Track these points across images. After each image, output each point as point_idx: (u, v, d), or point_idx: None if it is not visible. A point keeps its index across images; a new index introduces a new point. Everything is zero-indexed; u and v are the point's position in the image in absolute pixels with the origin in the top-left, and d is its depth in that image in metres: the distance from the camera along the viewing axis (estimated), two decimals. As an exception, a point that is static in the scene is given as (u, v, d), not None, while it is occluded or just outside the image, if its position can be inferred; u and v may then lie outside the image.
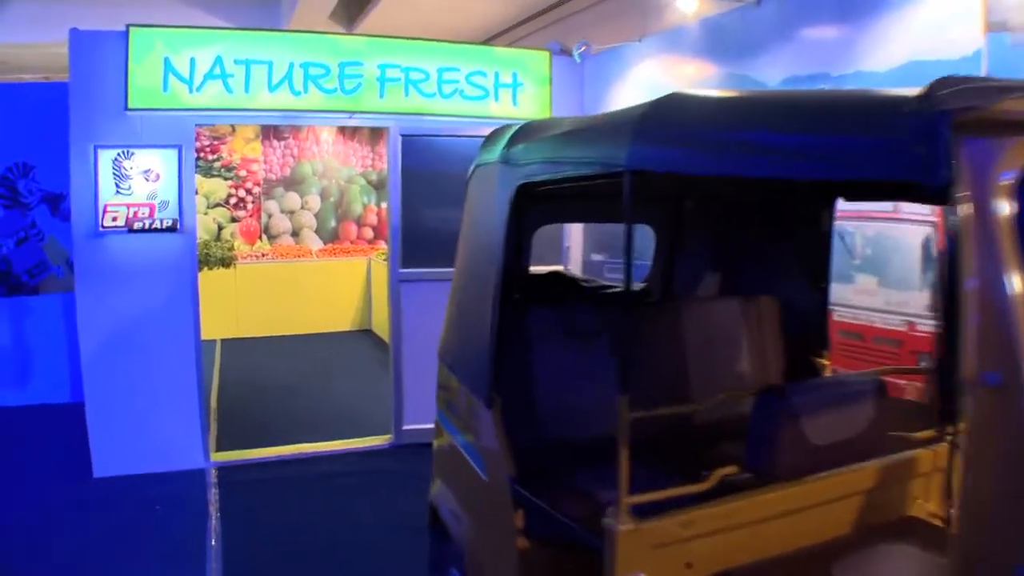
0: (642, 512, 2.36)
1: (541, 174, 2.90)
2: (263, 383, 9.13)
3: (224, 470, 6.22)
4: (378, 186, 13.44)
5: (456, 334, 3.71)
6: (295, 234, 13.11)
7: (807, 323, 3.81)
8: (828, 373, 3.78)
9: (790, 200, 3.82)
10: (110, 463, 5.98)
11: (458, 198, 6.86)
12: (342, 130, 13.19)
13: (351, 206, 13.36)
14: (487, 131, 6.75)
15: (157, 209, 5.86)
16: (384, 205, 13.20)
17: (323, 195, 13.26)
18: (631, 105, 2.65)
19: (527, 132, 3.17)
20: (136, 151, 5.79)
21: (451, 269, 6.64)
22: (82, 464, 6.02)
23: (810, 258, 3.79)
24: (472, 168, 3.71)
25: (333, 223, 13.30)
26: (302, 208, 13.14)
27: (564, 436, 3.26)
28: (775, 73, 5.45)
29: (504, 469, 2.99)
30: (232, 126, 12.47)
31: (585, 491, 2.87)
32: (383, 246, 12.74)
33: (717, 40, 6.06)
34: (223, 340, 11.22)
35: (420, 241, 6.64)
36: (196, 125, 6.03)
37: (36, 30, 10.11)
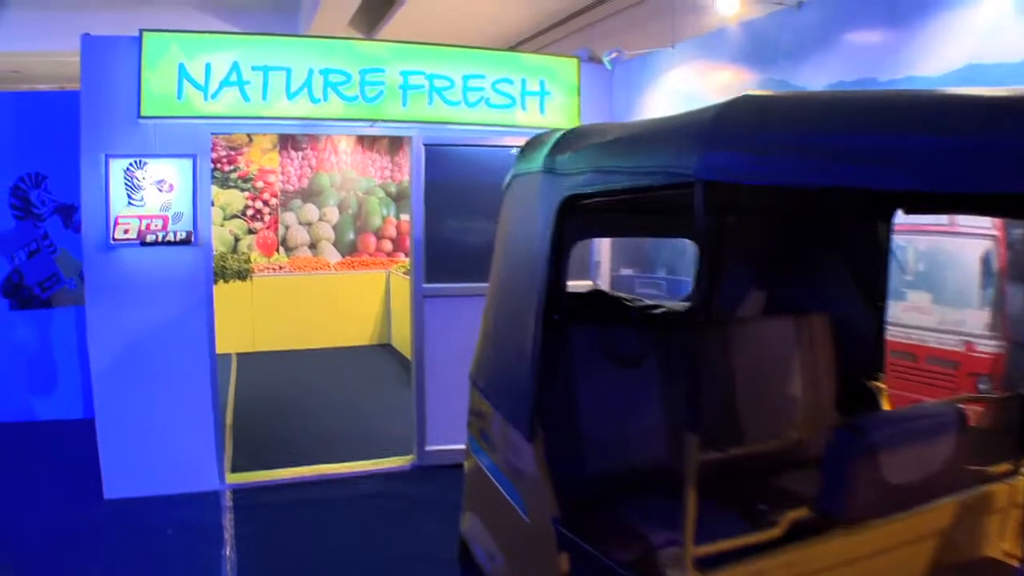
0: (706, 561, 2.12)
1: (591, 185, 2.63)
2: (280, 399, 8.89)
3: (240, 492, 5.96)
4: (397, 198, 13.23)
5: (491, 357, 3.44)
6: (313, 246, 12.90)
7: (862, 344, 3.57)
8: (885, 397, 3.53)
9: (845, 212, 3.58)
10: (121, 484, 5.74)
11: (484, 210, 6.70)
12: (361, 140, 13.00)
13: (370, 218, 13.14)
14: (513, 141, 6.62)
15: (171, 221, 5.63)
16: (404, 217, 13.05)
17: (341, 207, 13.06)
18: (692, 109, 2.38)
19: (573, 139, 2.90)
20: (149, 161, 5.55)
21: (477, 284, 6.45)
22: (92, 485, 5.78)
23: (866, 274, 3.56)
24: (509, 178, 3.45)
25: (352, 235, 13.09)
26: (320, 220, 12.94)
27: (607, 468, 3.04)
28: (818, 78, 5.20)
29: (547, 509, 2.73)
30: (249, 136, 12.31)
31: (635, 530, 2.65)
32: (402, 259, 12.57)
33: (755, 45, 5.80)
34: (239, 354, 11.01)
35: (444, 255, 6.39)
36: (212, 134, 5.78)
37: (50, 39, 9.99)
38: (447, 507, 5.64)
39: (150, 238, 5.58)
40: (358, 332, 12.17)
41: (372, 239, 13.12)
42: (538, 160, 3.01)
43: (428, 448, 6.48)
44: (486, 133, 6.41)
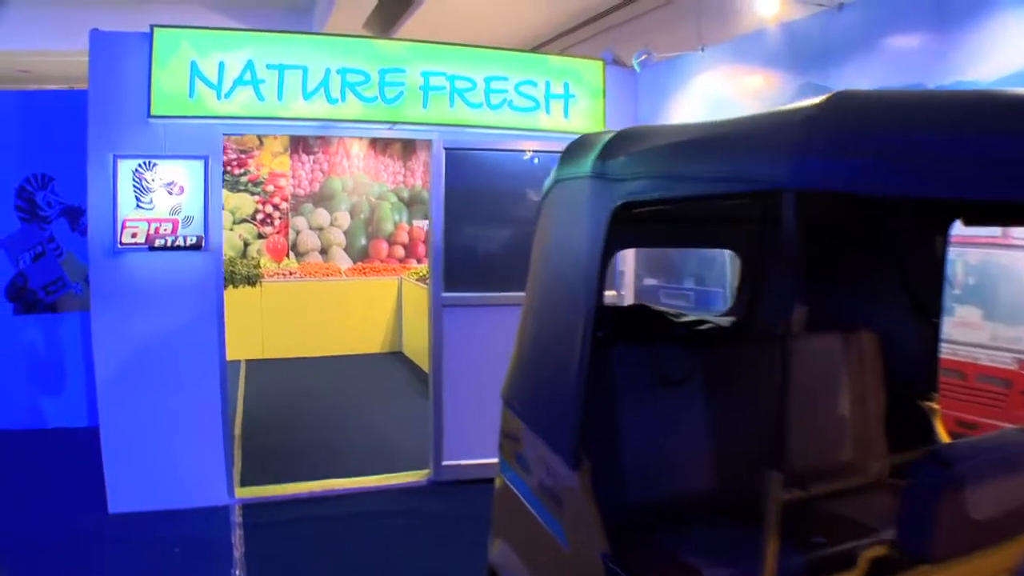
0: None
1: (649, 191, 2.39)
2: (290, 409, 8.65)
3: (249, 508, 5.71)
4: (410, 203, 13.01)
5: (528, 375, 3.20)
6: (324, 252, 12.69)
7: (913, 362, 3.38)
8: (939, 418, 3.33)
9: (897, 223, 3.35)
10: (126, 498, 5.50)
11: (506, 217, 6.50)
12: (373, 144, 12.78)
13: (381, 223, 12.91)
14: (537, 145, 6.38)
15: (180, 225, 5.40)
16: (416, 223, 12.82)
17: (353, 212, 12.84)
18: (770, 110, 2.13)
19: (627, 142, 2.64)
20: (159, 162, 5.32)
21: (498, 294, 6.24)
22: (97, 498, 5.54)
23: (919, 289, 3.35)
24: (549, 184, 3.20)
25: (363, 241, 12.86)
26: (331, 225, 12.72)
27: (653, 496, 2.84)
28: (860, 82, 4.95)
29: (594, 542, 2.49)
30: (260, 139, 12.10)
31: (690, 566, 2.47)
32: (415, 265, 12.35)
33: (791, 48, 5.57)
34: (248, 361, 10.79)
35: (464, 263, 6.16)
36: (224, 135, 5.54)
37: (59, 38, 9.79)
38: (466, 525, 5.45)
39: (159, 242, 5.35)
40: (369, 340, 11.94)
41: (384, 245, 12.89)
42: (585, 164, 2.76)
43: (445, 463, 6.24)
44: (508, 137, 6.18)
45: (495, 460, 6.20)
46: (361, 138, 12.60)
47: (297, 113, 5.53)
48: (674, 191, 2.34)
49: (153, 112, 5.22)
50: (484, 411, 6.24)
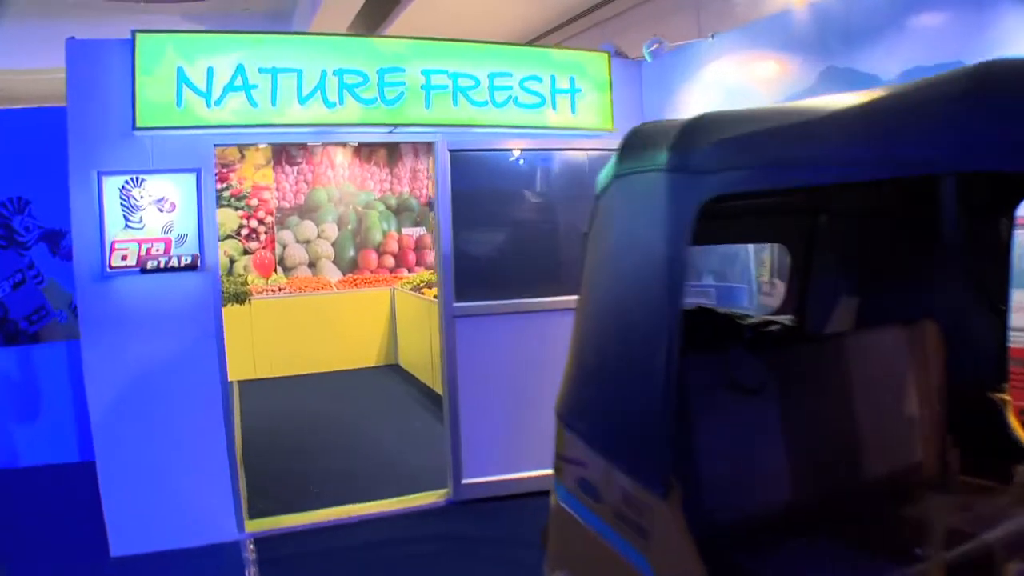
0: None
1: (755, 182, 2.09)
2: (290, 430, 8.26)
3: (262, 542, 5.34)
4: (398, 211, 12.67)
5: (590, 391, 2.87)
6: (312, 265, 12.31)
7: (980, 352, 3.19)
8: (1011, 410, 3.13)
9: (958, 205, 3.08)
10: (129, 539, 5.12)
11: (517, 219, 6.16)
12: (358, 152, 12.43)
13: (370, 233, 12.54)
14: (546, 144, 6.04)
15: (174, 244, 5.03)
16: (405, 231, 12.50)
17: (340, 223, 12.47)
18: (916, 80, 1.82)
19: (711, 129, 2.32)
20: (147, 177, 4.95)
21: (512, 301, 5.91)
22: (97, 540, 5.15)
23: (983, 275, 3.15)
24: (607, 180, 2.86)
25: (352, 252, 12.49)
26: (319, 237, 12.34)
27: (736, 516, 2.61)
28: (891, 65, 4.67)
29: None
30: (241, 151, 11.73)
31: None
32: (406, 274, 12.01)
33: (811, 31, 5.27)
34: (240, 382, 10.40)
35: (474, 271, 5.83)
36: (215, 145, 5.17)
37: (33, 55, 9.36)
38: (495, 547, 5.14)
39: (151, 264, 4.98)
40: (364, 353, 11.58)
41: (373, 255, 12.52)
42: (657, 157, 2.43)
43: (465, 482, 5.91)
44: (515, 136, 5.86)
45: (518, 475, 5.98)
46: (346, 145, 12.26)
47: (293, 119, 5.17)
48: (790, 180, 2.04)
49: (139, 124, 4.85)
50: (503, 425, 5.98)
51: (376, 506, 5.87)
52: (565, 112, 5.99)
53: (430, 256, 12.63)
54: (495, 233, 6.02)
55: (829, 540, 2.40)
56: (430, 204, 12.67)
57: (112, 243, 4.90)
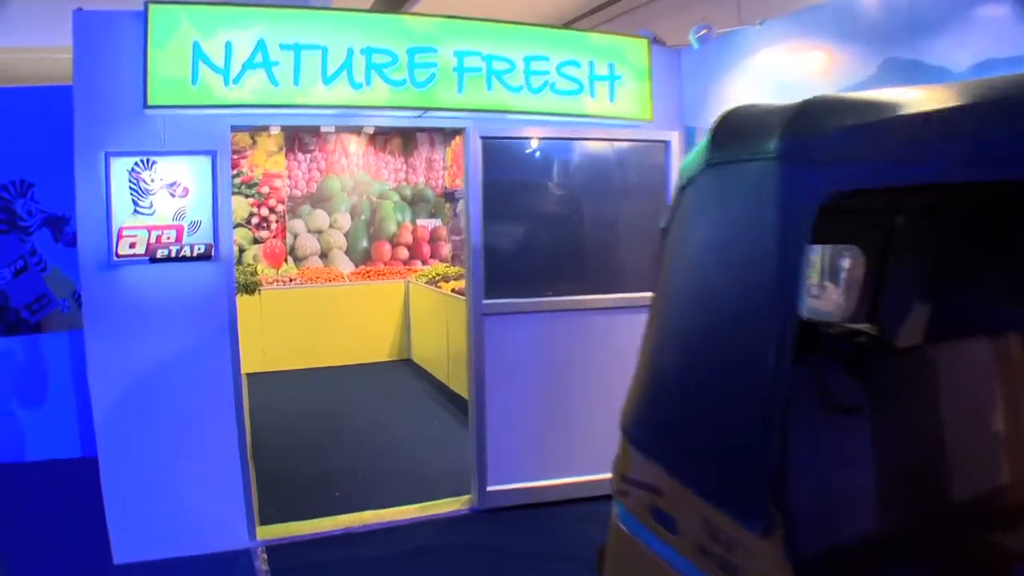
0: None
1: (889, 177, 1.78)
2: (302, 428, 7.93)
3: (275, 550, 5.00)
4: (413, 201, 12.31)
5: (670, 407, 2.51)
6: (323, 255, 11.95)
7: None
8: None
9: None
10: (133, 546, 4.78)
11: (553, 212, 5.80)
12: (373, 140, 12.07)
13: (384, 224, 12.18)
14: (583, 133, 5.68)
15: (186, 232, 4.68)
16: (420, 222, 12.14)
17: (353, 212, 12.10)
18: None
19: (833, 112, 1.97)
20: (158, 159, 4.60)
21: (546, 299, 5.55)
22: (98, 545, 4.81)
23: None
24: (695, 168, 2.48)
25: (365, 243, 12.13)
26: (331, 227, 11.98)
27: (830, 548, 2.39)
28: (959, 57, 4.31)
29: None
30: (252, 137, 11.38)
31: None
32: (420, 267, 11.66)
33: (871, 19, 4.91)
34: (249, 375, 10.03)
35: (504, 266, 5.47)
36: (232, 127, 4.81)
37: (39, 33, 8.98)
38: (522, 560, 4.84)
39: (161, 253, 4.63)
40: (376, 347, 11.23)
41: (387, 246, 12.16)
42: (764, 143, 2.07)
43: (490, 489, 5.56)
44: (551, 124, 5.50)
45: (547, 483, 5.62)
46: (360, 132, 11.90)
47: (316, 100, 4.80)
48: (922, 176, 1.73)
49: (150, 102, 4.49)
50: (532, 429, 5.63)
51: (395, 513, 5.53)
52: (603, 100, 5.63)
53: (445, 249, 12.29)
54: (527, 226, 5.67)
55: (923, 571, 2.24)
56: (446, 195, 12.32)
57: (120, 229, 4.54)
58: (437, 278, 10.41)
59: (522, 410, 5.57)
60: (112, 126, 4.56)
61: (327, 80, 4.81)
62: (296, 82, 4.75)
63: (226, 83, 4.63)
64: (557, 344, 5.58)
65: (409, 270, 11.80)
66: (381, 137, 12.08)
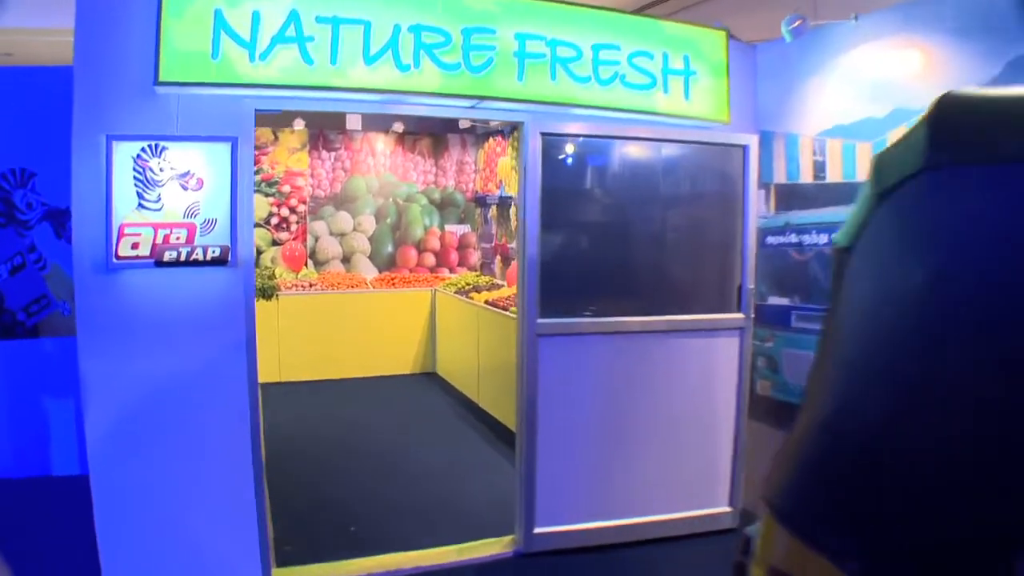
0: None
1: None
2: (321, 448, 7.24)
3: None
4: (441, 206, 11.64)
5: (861, 483, 1.80)
6: (346, 260, 11.29)
7: None
8: None
9: None
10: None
11: (624, 222, 5.10)
12: (401, 140, 11.41)
13: (410, 228, 11.52)
14: (655, 133, 4.97)
15: (199, 232, 4.00)
16: (448, 228, 11.48)
17: (378, 215, 11.44)
18: None
19: None
20: (169, 145, 3.92)
21: (606, 319, 4.87)
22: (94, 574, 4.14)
23: None
24: (905, 170, 1.78)
25: (390, 248, 11.47)
26: (354, 230, 11.32)
27: None
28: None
29: None
30: (275, 133, 10.73)
31: None
32: (447, 275, 11.00)
33: (990, 14, 4.24)
34: (264, 384, 9.37)
35: (562, 282, 4.78)
36: (257, 110, 4.13)
37: (49, 13, 8.37)
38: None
39: (169, 255, 3.95)
40: (399, 359, 10.56)
41: (413, 252, 11.50)
42: (1003, 144, 1.37)
43: (538, 531, 4.88)
44: (621, 121, 4.82)
45: (600, 524, 4.93)
46: (388, 131, 11.24)
47: (356, 82, 4.12)
48: None
49: (162, 78, 3.82)
50: (589, 464, 4.91)
51: (430, 555, 4.86)
52: (678, 97, 4.94)
53: (474, 256, 11.61)
54: (588, 237, 5.00)
55: None
56: (476, 200, 11.65)
57: (121, 227, 3.86)
58: (467, 288, 9.74)
59: (578, 442, 4.89)
60: (117, 105, 3.88)
61: (369, 60, 4.13)
62: (333, 61, 4.07)
63: (252, 59, 3.95)
64: (618, 368, 4.91)
65: (436, 278, 11.12)
66: (410, 137, 11.43)
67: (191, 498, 4.20)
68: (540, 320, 4.69)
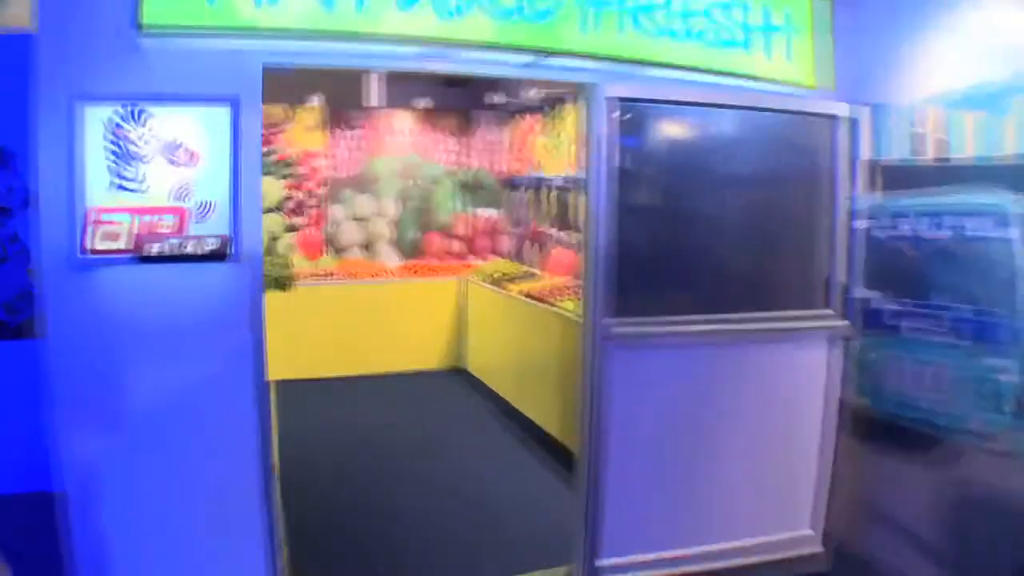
0: None
1: None
2: (341, 456, 6.51)
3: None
4: (470, 189, 10.87)
5: None
6: (367, 247, 10.56)
7: None
8: None
9: None
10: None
11: (721, 208, 4.24)
12: (427, 116, 10.66)
13: (436, 213, 10.80)
14: (752, 100, 4.00)
15: (192, 218, 3.21)
16: (479, 212, 10.71)
17: (402, 199, 10.74)
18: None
19: None
20: (153, 109, 3.13)
21: (683, 322, 3.97)
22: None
23: None
24: None
25: (414, 233, 10.74)
26: (376, 215, 10.60)
27: None
28: None
29: None
30: (291, 109, 9.96)
31: None
32: (477, 262, 10.24)
33: None
34: (278, 382, 8.60)
35: (637, 276, 3.97)
36: (264, 66, 3.31)
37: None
38: None
39: (155, 248, 3.15)
40: (425, 354, 9.80)
41: (439, 238, 10.77)
42: None
43: (602, 562, 4.13)
44: (709, 86, 3.99)
45: (676, 553, 4.16)
46: (412, 107, 10.45)
47: (388, 30, 3.30)
48: None
49: (145, 21, 3.01)
50: (663, 487, 4.17)
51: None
52: (779, 58, 4.13)
53: (505, 243, 10.82)
54: (665, 224, 4.17)
55: None
56: (507, 182, 10.85)
57: (91, 212, 3.07)
58: (501, 277, 8.95)
59: (653, 465, 4.13)
60: (87, 59, 3.08)
61: (404, 4, 3.31)
62: (359, 5, 3.25)
63: (258, 2, 3.14)
64: (705, 379, 4.14)
65: (464, 266, 10.36)
66: (435, 114, 10.70)
67: (186, 530, 3.46)
68: (609, 321, 3.86)
